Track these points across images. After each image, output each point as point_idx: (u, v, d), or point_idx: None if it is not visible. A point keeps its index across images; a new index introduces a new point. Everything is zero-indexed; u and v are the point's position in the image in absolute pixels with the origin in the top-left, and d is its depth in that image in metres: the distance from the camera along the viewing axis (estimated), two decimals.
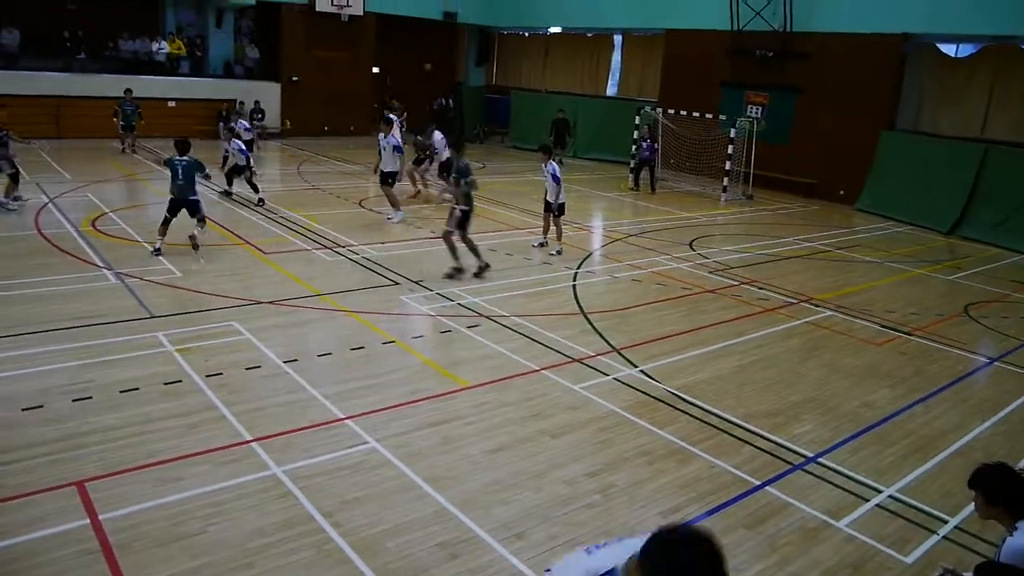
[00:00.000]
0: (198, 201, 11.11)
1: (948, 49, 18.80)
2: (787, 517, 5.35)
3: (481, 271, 10.67)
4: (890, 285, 12.09)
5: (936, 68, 18.96)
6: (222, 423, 6.12)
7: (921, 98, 19.32)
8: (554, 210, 12.33)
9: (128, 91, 20.43)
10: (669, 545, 2.27)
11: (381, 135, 14.04)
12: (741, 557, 4.87)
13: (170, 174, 10.91)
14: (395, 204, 14.14)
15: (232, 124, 18.48)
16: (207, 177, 11.75)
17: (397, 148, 13.84)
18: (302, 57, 26.02)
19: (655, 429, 6.55)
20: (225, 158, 15.63)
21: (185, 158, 10.93)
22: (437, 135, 16.49)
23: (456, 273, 10.46)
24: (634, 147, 20.80)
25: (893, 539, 5.17)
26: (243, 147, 15.12)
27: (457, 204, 10.49)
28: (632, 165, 20.85)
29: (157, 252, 10.72)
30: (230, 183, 15.49)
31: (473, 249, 10.61)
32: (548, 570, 2.62)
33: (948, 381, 8.16)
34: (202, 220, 11.14)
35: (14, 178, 13.15)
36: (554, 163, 12.24)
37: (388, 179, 14.02)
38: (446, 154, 16.25)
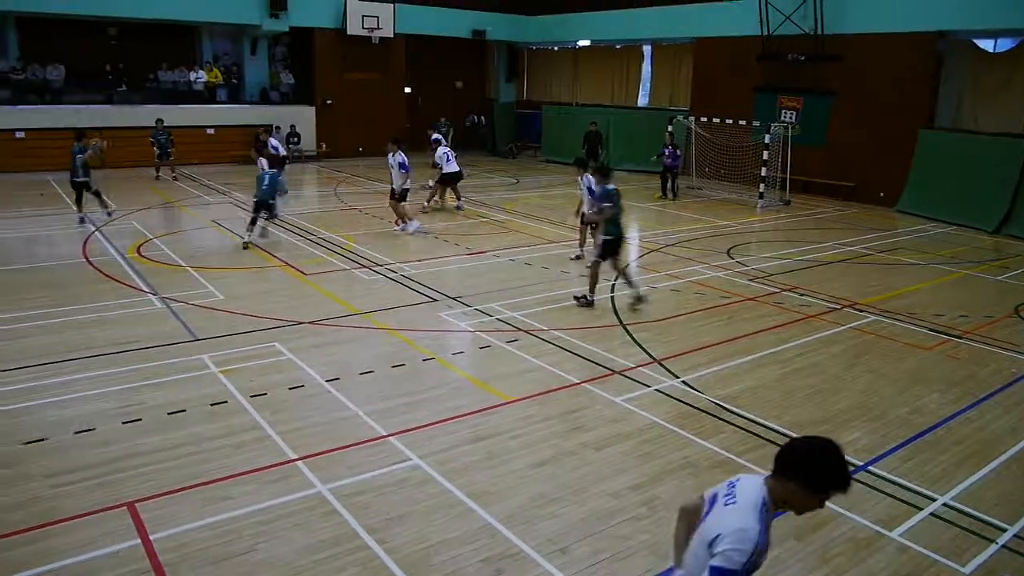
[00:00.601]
0: (275, 205, 13.55)
1: (986, 44, 18.44)
2: (838, 527, 5.24)
3: (638, 301, 10.11)
4: (936, 287, 11.83)
5: (974, 64, 18.62)
6: (267, 442, 6.20)
7: (960, 95, 18.97)
8: (590, 222, 12.31)
9: (159, 120, 20.98)
10: (803, 447, 2.84)
11: (389, 155, 14.54)
12: (792, 569, 4.78)
13: (258, 182, 13.32)
14: (405, 217, 14.69)
15: (264, 142, 19.25)
16: (285, 192, 13.98)
17: (403, 166, 14.28)
18: (335, 80, 26.50)
19: (699, 440, 6.47)
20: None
21: (273, 170, 13.77)
22: (439, 151, 16.94)
23: (584, 304, 9.98)
24: (654, 156, 20.63)
25: (949, 549, 5.03)
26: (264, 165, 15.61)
27: (601, 233, 10.05)
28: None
29: (246, 246, 13.05)
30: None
31: (625, 271, 10.21)
32: (718, 535, 2.75)
33: (1001, 384, 7.93)
34: (273, 217, 13.80)
35: (98, 195, 14.74)
36: (589, 176, 12.24)
37: (396, 195, 14.56)
38: (450, 167, 16.65)
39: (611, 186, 10.02)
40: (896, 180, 19.12)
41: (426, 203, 17.09)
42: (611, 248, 9.94)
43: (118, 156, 22.89)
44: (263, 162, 15.58)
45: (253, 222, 13.33)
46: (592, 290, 9.99)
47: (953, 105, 19.07)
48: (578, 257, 12.72)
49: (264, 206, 13.30)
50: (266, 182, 13.29)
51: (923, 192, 18.45)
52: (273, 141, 19.61)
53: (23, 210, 16.18)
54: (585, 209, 12.32)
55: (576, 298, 10.06)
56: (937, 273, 12.75)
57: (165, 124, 21.06)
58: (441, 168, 16.80)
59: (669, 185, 20.04)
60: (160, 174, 21.19)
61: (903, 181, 18.97)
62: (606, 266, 10.14)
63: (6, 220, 15.07)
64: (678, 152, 20.05)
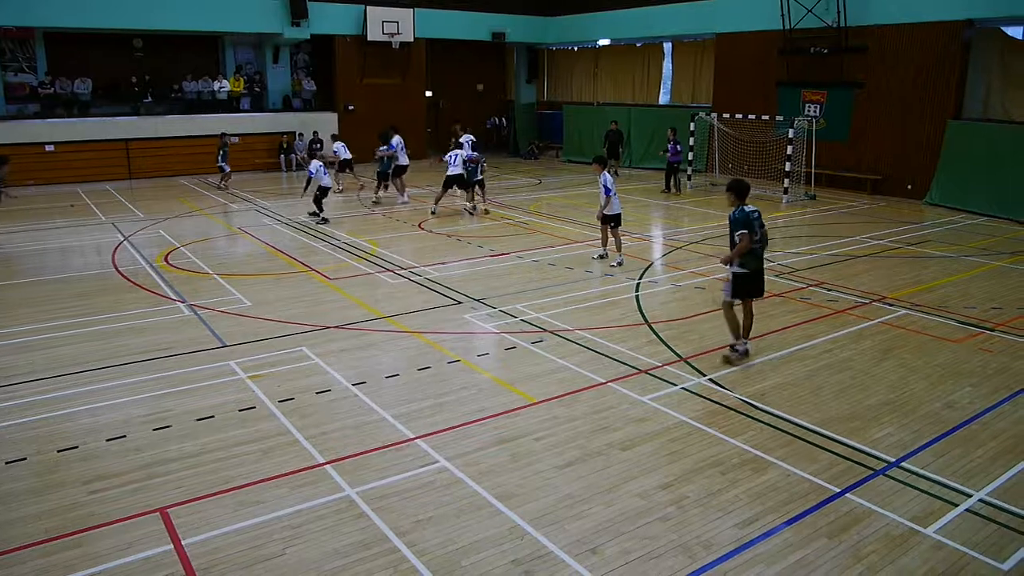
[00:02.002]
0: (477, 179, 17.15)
1: (1014, 32, 18.12)
2: (871, 525, 5.16)
3: (742, 355, 8.17)
4: (967, 280, 11.63)
5: (1002, 52, 18.28)
6: (296, 447, 6.25)
7: (989, 84, 18.63)
8: (609, 221, 12.25)
9: (224, 133, 21.44)
10: None
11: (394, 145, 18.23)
12: (824, 568, 4.71)
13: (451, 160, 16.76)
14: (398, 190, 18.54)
15: (318, 149, 20.04)
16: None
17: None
18: (356, 86, 26.70)
19: (727, 438, 6.41)
20: (308, 183, 16.42)
21: (455, 151, 16.89)
22: (449, 153, 17.32)
23: (735, 356, 8.09)
24: (662, 152, 20.88)
25: (987, 545, 4.93)
26: (323, 167, 16.30)
27: (730, 263, 8.09)
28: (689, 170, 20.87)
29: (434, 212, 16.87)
30: (320, 208, 16.24)
31: (748, 321, 8.22)
32: None
33: None
34: (479, 185, 17.37)
35: None
36: (607, 174, 12.18)
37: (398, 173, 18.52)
38: (453, 170, 16.92)
39: (749, 207, 8.10)
40: (924, 172, 18.83)
41: (434, 204, 17.45)
42: (745, 285, 8.07)
43: (144, 166, 23.37)
44: (318, 164, 16.30)
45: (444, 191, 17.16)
46: (736, 335, 8.17)
47: (981, 94, 18.73)
48: (601, 257, 12.68)
49: (457, 181, 16.79)
50: (454, 160, 16.82)
51: (952, 183, 18.15)
52: (337, 145, 20.38)
53: (55, 221, 16.47)
54: (604, 209, 12.25)
55: (725, 357, 8.15)
56: (968, 265, 12.53)
57: (228, 135, 21.61)
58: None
59: (673, 180, 20.38)
60: (222, 183, 21.49)
61: (931, 173, 18.68)
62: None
63: (38, 232, 15.36)
64: (679, 147, 20.21)
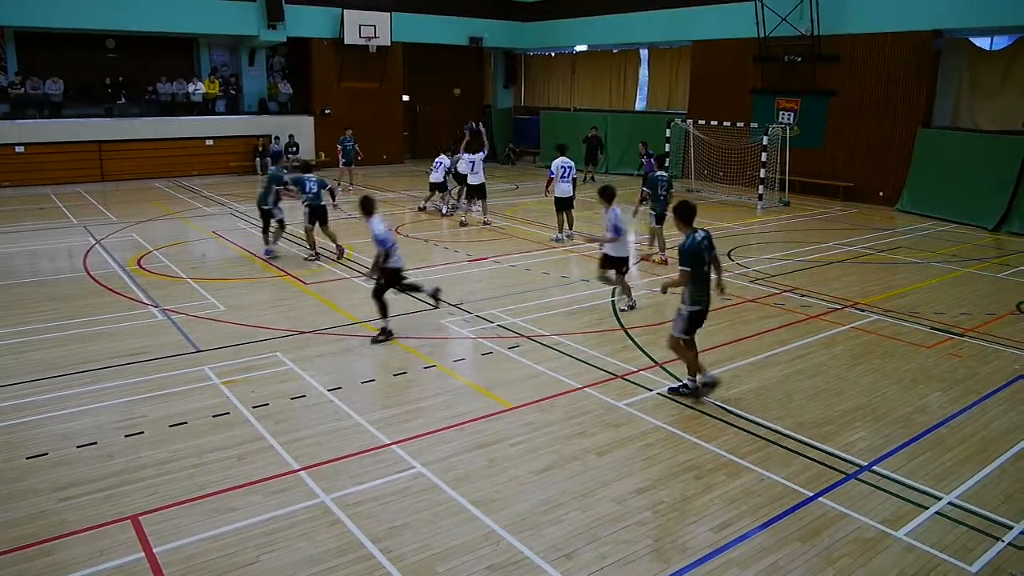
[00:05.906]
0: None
1: (982, 42, 18.50)
2: (843, 528, 5.23)
3: (694, 389, 7.35)
4: (937, 286, 11.82)
5: (971, 62, 18.66)
6: (270, 453, 6.20)
7: (958, 93, 19.00)
8: (618, 265, 10.07)
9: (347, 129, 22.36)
10: None
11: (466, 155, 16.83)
12: (797, 571, 4.76)
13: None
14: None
15: (294, 153, 20.01)
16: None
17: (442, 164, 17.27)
18: (333, 90, 26.59)
19: (702, 443, 6.46)
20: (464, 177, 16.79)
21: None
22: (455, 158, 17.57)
23: (689, 391, 7.33)
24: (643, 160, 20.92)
25: (956, 547, 5.01)
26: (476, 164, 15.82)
27: (686, 302, 7.11)
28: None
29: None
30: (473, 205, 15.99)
31: (695, 370, 7.32)
32: None
33: (1004, 381, 7.92)
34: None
35: None
36: (617, 209, 10.06)
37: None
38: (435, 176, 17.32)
39: (701, 233, 7.05)
40: (895, 179, 19.16)
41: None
42: (697, 321, 7.21)
43: (117, 169, 23.10)
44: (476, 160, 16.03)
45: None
46: (693, 371, 7.31)
47: (951, 103, 19.10)
48: (631, 307, 10.30)
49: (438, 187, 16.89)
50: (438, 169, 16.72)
51: (922, 191, 18.47)
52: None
53: (24, 224, 16.21)
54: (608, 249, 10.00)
55: (673, 390, 7.49)
56: (938, 271, 12.74)
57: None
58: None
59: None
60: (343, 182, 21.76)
61: (902, 180, 18.99)
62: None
63: (7, 235, 15.10)
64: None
